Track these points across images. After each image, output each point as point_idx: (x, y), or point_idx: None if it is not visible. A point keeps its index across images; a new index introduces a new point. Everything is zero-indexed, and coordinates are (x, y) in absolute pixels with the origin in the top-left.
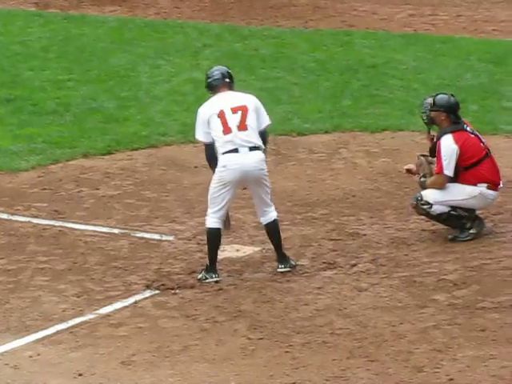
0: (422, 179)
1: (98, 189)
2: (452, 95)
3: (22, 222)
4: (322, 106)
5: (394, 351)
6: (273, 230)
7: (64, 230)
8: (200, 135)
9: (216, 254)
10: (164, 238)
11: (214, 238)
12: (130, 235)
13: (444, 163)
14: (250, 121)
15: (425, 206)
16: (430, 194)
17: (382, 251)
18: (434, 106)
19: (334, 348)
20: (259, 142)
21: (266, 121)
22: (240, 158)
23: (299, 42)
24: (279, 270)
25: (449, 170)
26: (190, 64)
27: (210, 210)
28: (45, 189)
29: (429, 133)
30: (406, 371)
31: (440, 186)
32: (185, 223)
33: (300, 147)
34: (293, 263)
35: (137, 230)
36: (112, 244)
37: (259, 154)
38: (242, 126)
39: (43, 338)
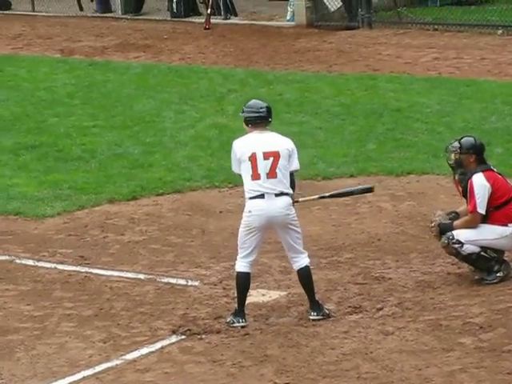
0: (444, 222)
1: (123, 234)
2: (476, 137)
3: (47, 268)
4: (346, 150)
5: None
6: (305, 276)
7: (90, 276)
8: (235, 167)
9: (244, 299)
10: (190, 283)
11: (242, 283)
12: (156, 280)
13: (478, 201)
14: (280, 168)
15: (456, 245)
16: (461, 234)
17: (408, 295)
18: (462, 149)
19: None
20: (287, 189)
21: (294, 165)
22: (265, 204)
23: (323, 87)
24: (311, 317)
25: (482, 208)
26: (214, 109)
27: (239, 255)
28: (70, 235)
29: (455, 177)
30: None
31: (473, 225)
32: (210, 268)
33: (325, 191)
34: (326, 311)
35: (162, 275)
36: (138, 289)
37: (285, 200)
38: (272, 174)
39: None
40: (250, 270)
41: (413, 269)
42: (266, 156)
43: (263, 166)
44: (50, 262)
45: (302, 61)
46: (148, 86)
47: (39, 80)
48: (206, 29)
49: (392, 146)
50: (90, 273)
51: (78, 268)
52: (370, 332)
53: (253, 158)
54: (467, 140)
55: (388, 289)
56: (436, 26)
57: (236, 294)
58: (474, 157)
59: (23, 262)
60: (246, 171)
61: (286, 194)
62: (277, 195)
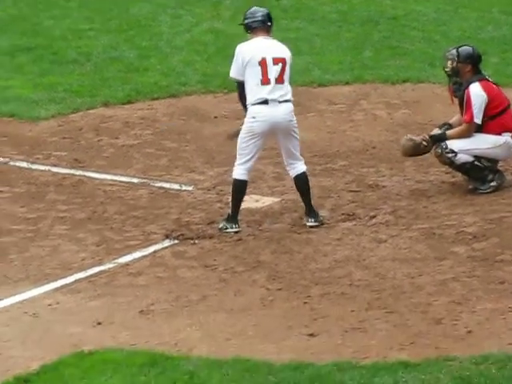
0: (437, 131)
1: (117, 138)
2: (474, 47)
3: (41, 170)
4: (342, 57)
5: (413, 303)
6: (302, 182)
7: (83, 179)
8: (234, 73)
9: (239, 206)
10: (183, 187)
11: (238, 190)
12: (150, 185)
13: (474, 111)
14: (287, 74)
15: (450, 155)
16: (455, 143)
17: (402, 203)
18: (460, 58)
19: (353, 299)
20: (290, 96)
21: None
22: (269, 110)
23: None
24: (308, 224)
25: (478, 118)
26: (210, 14)
27: (237, 161)
28: (65, 138)
29: (450, 84)
30: (424, 323)
31: (468, 135)
32: (204, 173)
33: (320, 98)
34: (321, 218)
35: (156, 179)
36: (131, 193)
37: (288, 106)
38: (280, 80)
39: (62, 287)
40: (248, 178)
41: (407, 177)
42: (276, 61)
43: (273, 71)
44: (44, 164)
45: None
46: None
47: None
48: None
49: (388, 53)
50: (84, 176)
51: (72, 171)
52: (363, 239)
53: (263, 63)
54: (465, 49)
55: (382, 197)
56: None
57: (230, 200)
58: (470, 66)
59: (17, 164)
60: (253, 76)
61: (289, 101)
62: (280, 102)
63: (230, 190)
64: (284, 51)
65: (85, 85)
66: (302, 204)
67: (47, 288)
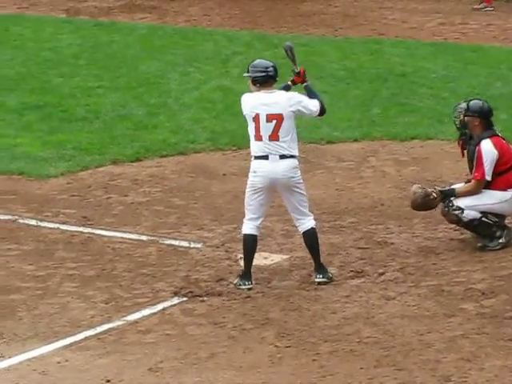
0: (446, 188)
1: (126, 195)
2: (485, 101)
3: (50, 228)
4: (351, 114)
5: (422, 360)
6: (310, 238)
7: (92, 237)
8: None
9: (251, 261)
10: (192, 245)
11: (248, 245)
12: (159, 242)
13: (486, 168)
14: (283, 130)
15: (456, 212)
16: (460, 200)
17: (410, 260)
18: (468, 111)
19: (362, 356)
20: (291, 151)
21: (313, 110)
22: (269, 165)
23: (329, 50)
24: (317, 280)
25: (489, 176)
26: (219, 71)
27: (246, 217)
28: (73, 195)
29: (460, 138)
30: (433, 380)
31: (476, 192)
32: (213, 230)
33: (329, 155)
34: (330, 275)
35: (165, 237)
36: (140, 251)
37: (290, 162)
38: (274, 137)
39: (71, 344)
40: (257, 233)
41: (415, 234)
42: (269, 118)
43: (266, 129)
44: (52, 222)
45: (307, 24)
46: (153, 47)
47: (44, 40)
48: None
49: (396, 110)
50: (93, 233)
51: (81, 228)
52: (372, 296)
53: (256, 119)
54: (475, 103)
55: (390, 254)
56: None
57: (243, 257)
58: (479, 120)
59: (26, 221)
60: (250, 130)
61: (292, 157)
62: (281, 157)
63: (242, 247)
64: (283, 107)
65: (94, 142)
66: (311, 261)
67: (56, 345)
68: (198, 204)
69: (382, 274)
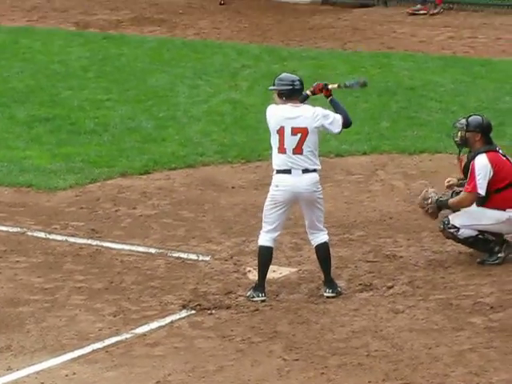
0: (442, 198)
1: (135, 208)
2: (484, 117)
3: (58, 240)
4: (360, 127)
5: (430, 374)
6: (322, 252)
7: (101, 249)
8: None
9: (265, 273)
10: (201, 258)
11: (264, 257)
12: (167, 255)
13: (478, 182)
14: (307, 144)
15: (452, 230)
16: (457, 218)
17: (419, 273)
18: (469, 127)
19: (370, 370)
20: (314, 166)
21: (337, 127)
22: (292, 180)
23: (338, 64)
24: (326, 294)
25: (482, 190)
26: (228, 85)
27: (263, 229)
28: (82, 208)
29: (459, 155)
30: None
31: (468, 204)
32: (222, 243)
33: (338, 168)
34: (339, 289)
35: (173, 249)
36: (149, 264)
37: (313, 176)
38: (298, 150)
39: (79, 357)
40: (273, 245)
41: (424, 247)
42: (295, 132)
43: (290, 142)
44: (61, 234)
45: (316, 38)
46: (162, 60)
47: (53, 53)
48: (221, 4)
49: (405, 124)
50: (101, 246)
51: (90, 241)
52: (380, 310)
53: (281, 132)
54: (475, 118)
55: (399, 267)
56: (451, 5)
57: (258, 268)
58: (480, 135)
59: (35, 234)
60: (273, 143)
61: (314, 171)
62: (304, 171)
63: (257, 258)
64: (308, 121)
65: (102, 155)
66: (320, 274)
67: (64, 358)
68: (207, 217)
69: (391, 287)
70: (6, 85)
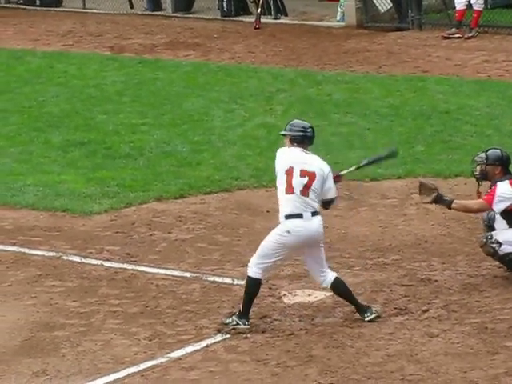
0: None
1: (170, 232)
2: (503, 150)
3: (94, 264)
4: None
5: None
6: (342, 287)
7: (136, 274)
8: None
9: (251, 304)
10: (236, 282)
11: (251, 289)
12: (202, 279)
13: (495, 199)
14: (314, 189)
15: (494, 245)
16: (500, 234)
17: (454, 297)
18: (489, 160)
19: None
20: (317, 208)
21: (331, 193)
22: (304, 224)
23: (372, 87)
24: (366, 319)
25: (497, 208)
26: (263, 109)
27: (257, 260)
28: (117, 232)
29: (478, 189)
30: None
31: (475, 211)
32: None
33: (373, 192)
34: (374, 310)
35: (209, 273)
36: (184, 287)
37: (320, 218)
38: (304, 192)
39: (115, 381)
40: (262, 277)
41: (459, 271)
42: (303, 174)
43: (298, 183)
44: (96, 258)
45: (351, 61)
46: (197, 84)
47: (89, 77)
48: (256, 28)
49: (440, 147)
50: (137, 270)
51: (125, 265)
52: (415, 334)
53: (289, 172)
54: (494, 152)
55: (434, 291)
56: (486, 29)
57: (243, 297)
58: (500, 169)
59: (70, 258)
60: (280, 183)
61: (319, 213)
62: (313, 214)
63: (244, 288)
64: (316, 166)
65: (137, 179)
66: None
67: (100, 382)
68: (242, 241)
69: (426, 311)
70: (42, 109)
